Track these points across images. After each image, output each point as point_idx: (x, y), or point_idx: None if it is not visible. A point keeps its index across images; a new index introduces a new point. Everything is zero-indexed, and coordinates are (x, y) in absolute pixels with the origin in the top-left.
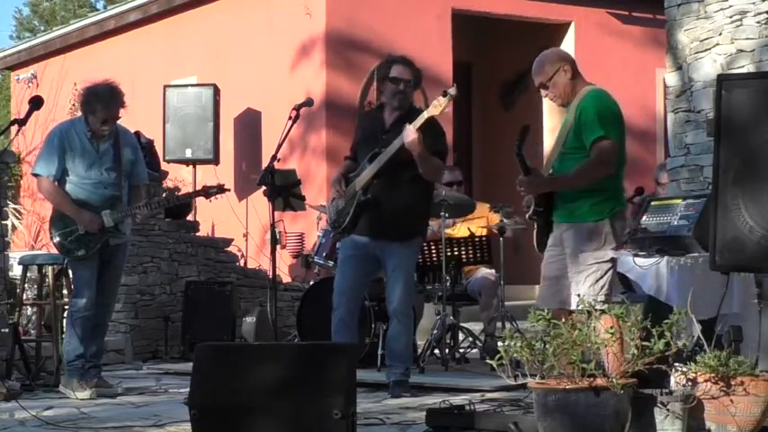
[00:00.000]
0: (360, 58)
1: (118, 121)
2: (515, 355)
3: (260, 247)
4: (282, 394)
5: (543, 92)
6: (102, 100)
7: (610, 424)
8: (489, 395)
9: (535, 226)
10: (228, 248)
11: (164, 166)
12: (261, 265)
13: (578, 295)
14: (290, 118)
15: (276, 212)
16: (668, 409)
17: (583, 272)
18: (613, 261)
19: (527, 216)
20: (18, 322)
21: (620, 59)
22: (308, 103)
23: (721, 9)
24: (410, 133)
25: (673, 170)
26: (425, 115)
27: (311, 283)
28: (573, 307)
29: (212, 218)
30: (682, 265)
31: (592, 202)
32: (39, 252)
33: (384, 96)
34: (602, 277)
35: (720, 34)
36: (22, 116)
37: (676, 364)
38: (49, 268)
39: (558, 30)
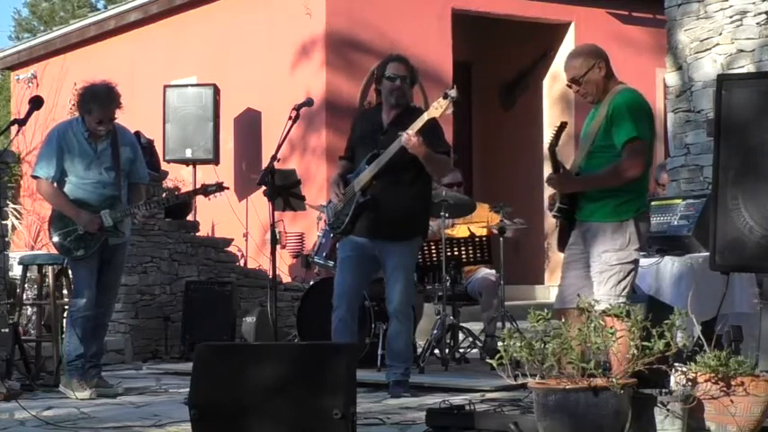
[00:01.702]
0: (360, 58)
1: (117, 120)
2: (515, 355)
3: (260, 247)
4: (282, 394)
5: (574, 87)
6: (98, 100)
7: (609, 424)
8: (489, 395)
9: (557, 224)
10: (228, 248)
11: (164, 165)
12: (261, 265)
13: (579, 295)
14: (290, 118)
15: (276, 212)
16: (668, 409)
17: (605, 272)
18: (636, 262)
19: (551, 214)
20: (18, 322)
21: (620, 59)
22: (308, 103)
23: (721, 9)
24: (410, 138)
25: (673, 170)
26: (425, 117)
27: (311, 283)
28: (574, 304)
29: (212, 218)
30: (682, 265)
31: (617, 202)
32: (39, 252)
33: (382, 95)
34: (624, 278)
35: (720, 34)
36: (22, 116)
37: (676, 364)
38: (49, 268)
39: (558, 30)
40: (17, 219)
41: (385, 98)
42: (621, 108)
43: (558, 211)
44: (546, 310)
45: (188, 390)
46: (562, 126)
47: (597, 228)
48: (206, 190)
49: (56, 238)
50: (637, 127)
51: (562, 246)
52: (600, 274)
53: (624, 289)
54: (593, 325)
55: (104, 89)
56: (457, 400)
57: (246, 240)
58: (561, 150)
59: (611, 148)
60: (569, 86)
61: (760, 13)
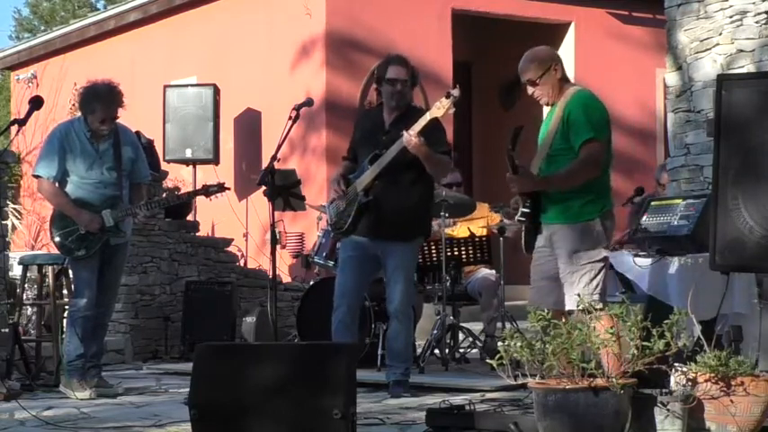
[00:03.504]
0: (360, 58)
1: (118, 120)
2: (515, 355)
3: (260, 247)
4: (282, 394)
5: (530, 89)
6: (101, 99)
7: (609, 424)
8: (489, 395)
9: (523, 228)
10: (228, 248)
11: (164, 166)
12: (261, 265)
13: (578, 295)
14: (290, 118)
15: (276, 212)
16: (668, 409)
17: (577, 272)
18: (606, 260)
19: (516, 218)
20: (18, 322)
21: (620, 59)
22: (308, 103)
23: (721, 9)
24: (410, 139)
25: (673, 170)
26: (428, 116)
27: (311, 283)
28: (568, 307)
29: (212, 218)
30: (682, 265)
31: (581, 202)
32: (39, 252)
33: (383, 97)
34: (595, 276)
35: (720, 34)
36: (22, 116)
37: (676, 364)
38: (49, 268)
39: (558, 30)
40: (17, 219)
41: (386, 100)
42: (577, 110)
43: (522, 215)
44: (546, 310)
45: (188, 390)
46: (517, 131)
47: (564, 230)
48: (207, 191)
49: (57, 238)
50: (593, 128)
51: (528, 248)
52: (571, 274)
53: (597, 287)
54: (593, 325)
55: (107, 88)
56: (457, 400)
57: (246, 240)
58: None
59: (569, 150)
60: (524, 87)
61: (760, 13)
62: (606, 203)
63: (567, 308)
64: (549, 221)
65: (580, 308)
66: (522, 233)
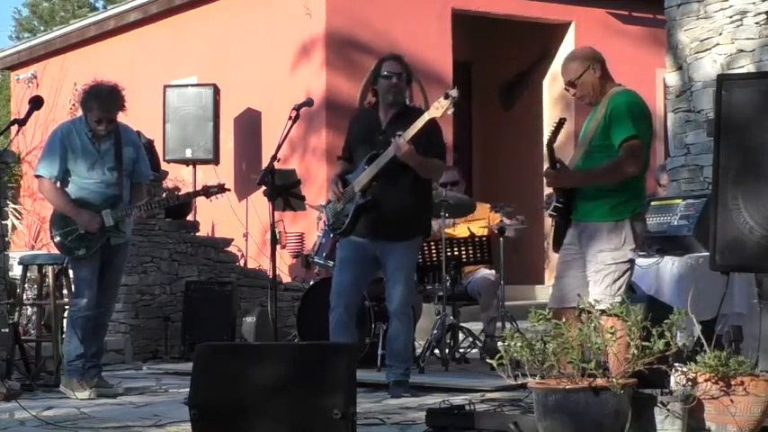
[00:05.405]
0: (360, 58)
1: (120, 120)
2: (515, 355)
3: (260, 247)
4: (282, 394)
5: (571, 90)
6: (100, 99)
7: (610, 424)
8: (489, 395)
9: (553, 224)
10: (228, 248)
11: (164, 165)
12: (261, 265)
13: (579, 295)
14: (290, 118)
15: (276, 212)
16: (668, 409)
17: (601, 271)
18: (632, 262)
19: (547, 213)
20: (18, 322)
21: (620, 59)
22: (308, 103)
23: (721, 9)
24: (402, 146)
25: (673, 170)
26: (426, 117)
27: (311, 283)
28: (572, 303)
29: (212, 218)
30: (682, 265)
31: (613, 202)
32: (39, 252)
33: (379, 95)
34: (620, 278)
35: (720, 34)
36: (22, 116)
37: (676, 364)
38: (49, 268)
39: (558, 30)
40: (17, 219)
41: (382, 97)
42: (620, 108)
43: (554, 210)
44: (547, 310)
45: (188, 390)
46: (561, 122)
47: (593, 228)
48: (207, 191)
49: (57, 238)
50: (635, 126)
51: (557, 246)
52: (596, 273)
53: (619, 288)
54: (593, 325)
55: (107, 89)
56: (457, 400)
57: (246, 240)
58: (561, 150)
59: (608, 147)
60: (567, 90)
61: (760, 13)
62: (638, 206)
63: (572, 304)
64: (579, 219)
65: (580, 307)
66: (553, 230)
